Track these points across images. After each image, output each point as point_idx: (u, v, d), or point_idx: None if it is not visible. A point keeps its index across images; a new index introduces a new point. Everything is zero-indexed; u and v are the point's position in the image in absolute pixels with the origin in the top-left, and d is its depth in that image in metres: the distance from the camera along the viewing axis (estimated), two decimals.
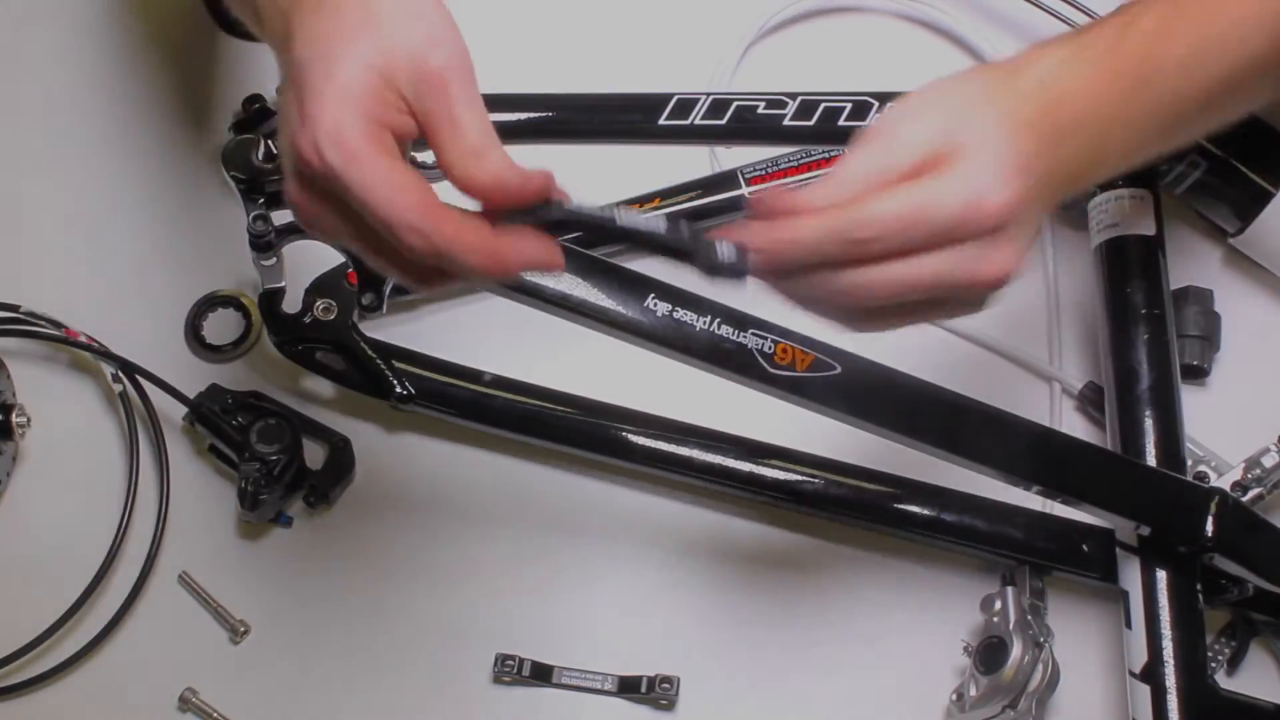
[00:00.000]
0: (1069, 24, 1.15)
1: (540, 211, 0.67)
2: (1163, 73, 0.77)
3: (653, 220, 0.68)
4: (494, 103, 0.94)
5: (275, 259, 0.97)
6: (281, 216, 0.95)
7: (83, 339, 1.03)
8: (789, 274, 0.69)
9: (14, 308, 1.05)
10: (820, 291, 0.70)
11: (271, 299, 1.01)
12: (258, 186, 0.95)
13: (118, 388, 1.03)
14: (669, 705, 0.98)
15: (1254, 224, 1.07)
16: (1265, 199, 1.05)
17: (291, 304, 1.01)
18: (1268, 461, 0.96)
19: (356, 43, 0.67)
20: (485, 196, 0.67)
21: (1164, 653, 0.92)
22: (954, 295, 0.70)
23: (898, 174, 0.68)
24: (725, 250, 0.67)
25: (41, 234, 1.12)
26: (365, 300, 1.00)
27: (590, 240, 0.71)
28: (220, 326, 1.08)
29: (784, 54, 1.21)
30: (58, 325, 1.04)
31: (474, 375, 1.02)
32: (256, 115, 0.95)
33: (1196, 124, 0.84)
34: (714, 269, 0.67)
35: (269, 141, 0.95)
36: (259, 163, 0.95)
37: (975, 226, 0.67)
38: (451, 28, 0.69)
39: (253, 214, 0.94)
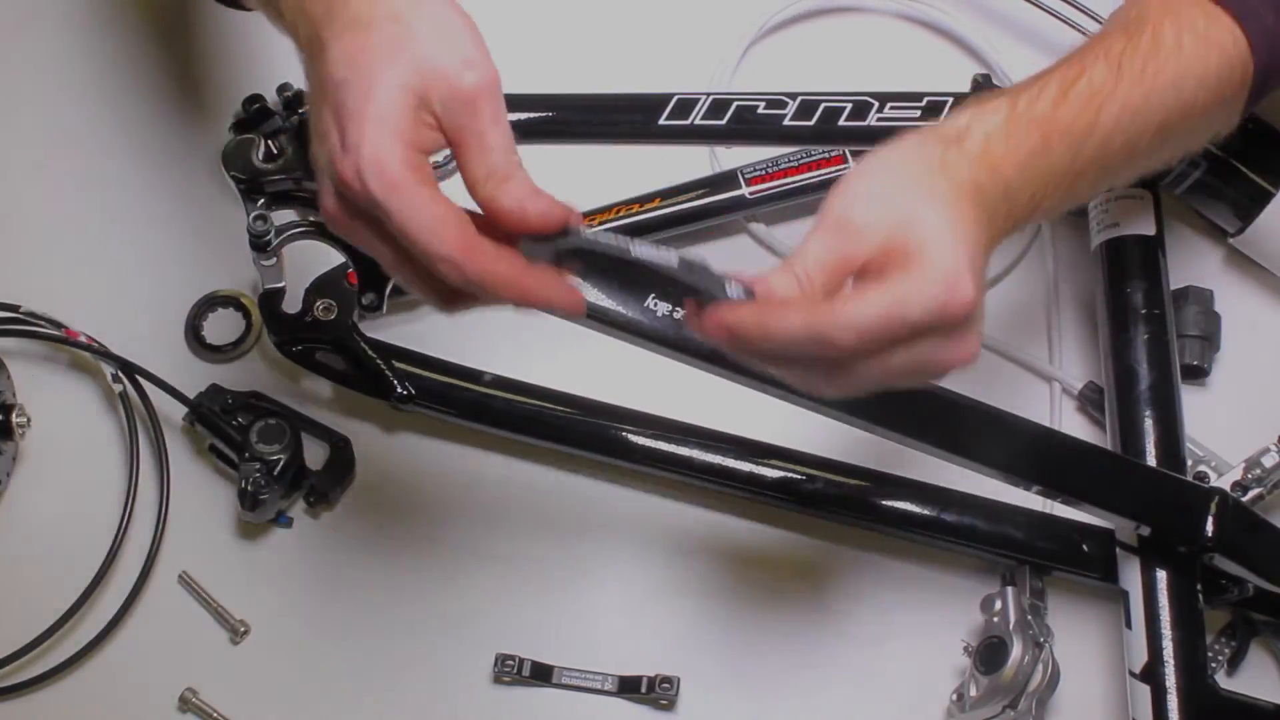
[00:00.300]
0: (1068, 23, 1.15)
1: (558, 239, 0.70)
2: (1104, 128, 0.79)
3: (665, 255, 0.70)
4: None
5: (275, 259, 0.97)
6: (281, 217, 0.96)
7: (83, 339, 1.03)
8: (768, 359, 0.72)
9: (14, 308, 1.05)
10: (796, 375, 0.73)
11: (271, 299, 1.01)
12: (258, 187, 0.95)
13: (118, 388, 1.03)
14: (669, 705, 0.98)
15: (1254, 224, 1.07)
16: (1265, 199, 1.05)
17: (291, 304, 1.01)
18: (1268, 461, 0.96)
19: (394, 63, 0.68)
20: (506, 221, 0.69)
21: (1164, 653, 0.92)
22: (922, 375, 0.72)
23: (857, 263, 0.70)
24: (733, 290, 0.69)
25: (41, 234, 1.12)
26: (365, 300, 1.00)
27: (604, 267, 0.73)
28: (220, 326, 1.08)
29: (784, 54, 1.21)
30: (58, 325, 1.04)
31: (474, 375, 1.02)
32: (256, 115, 0.95)
33: (1137, 168, 0.86)
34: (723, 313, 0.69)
35: (269, 141, 0.95)
36: (259, 163, 0.95)
37: (947, 322, 0.69)
38: (483, 50, 0.70)
39: (253, 214, 0.94)
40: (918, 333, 0.69)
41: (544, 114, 0.98)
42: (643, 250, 0.70)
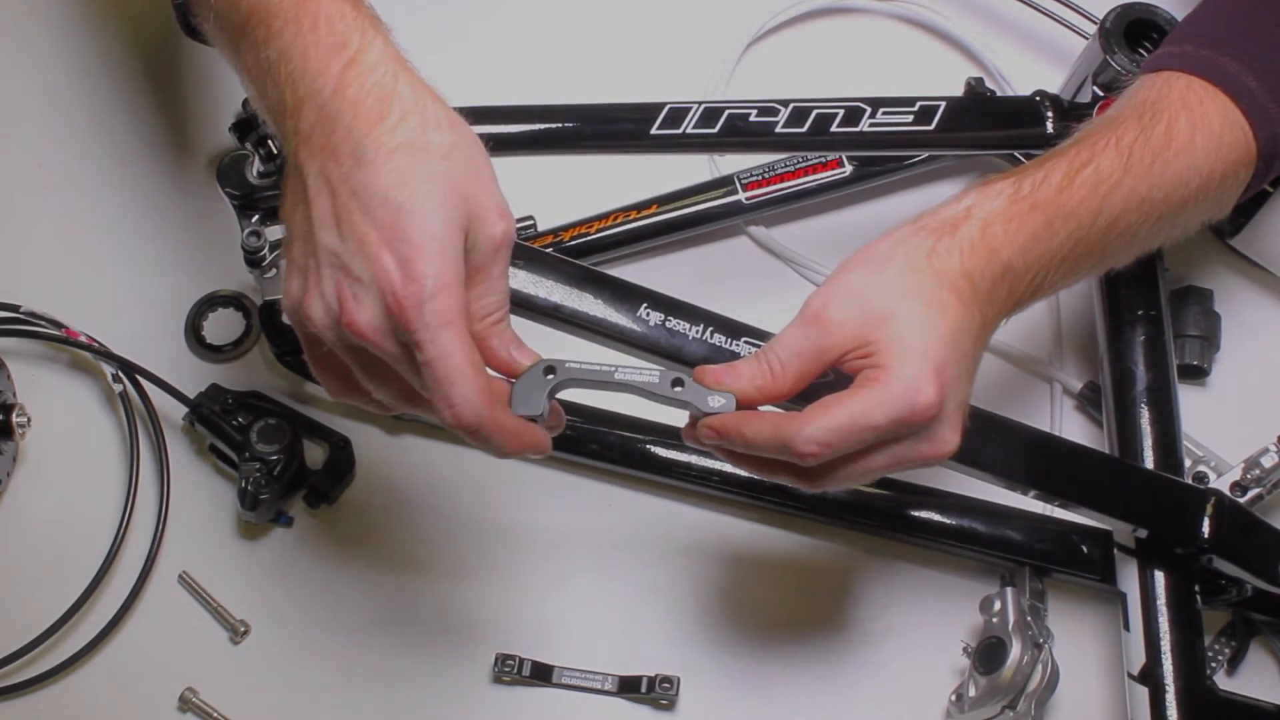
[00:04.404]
0: (1063, 23, 1.16)
1: (548, 380, 0.76)
2: (1108, 215, 0.81)
3: (647, 376, 0.77)
4: (489, 115, 0.94)
5: (274, 271, 0.97)
6: (275, 232, 0.95)
7: (83, 339, 1.03)
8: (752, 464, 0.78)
9: (14, 308, 1.05)
10: (786, 478, 0.78)
11: (272, 311, 1.01)
12: (252, 203, 0.94)
13: (118, 388, 1.03)
14: (669, 705, 0.98)
15: (1251, 223, 1.07)
16: (1262, 199, 1.05)
17: None
18: (1267, 462, 0.96)
19: (450, 201, 0.71)
20: (489, 357, 0.75)
21: (1162, 654, 0.92)
22: (903, 469, 0.77)
23: (832, 356, 0.75)
24: (714, 402, 0.76)
25: (41, 234, 1.12)
26: None
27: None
28: (220, 326, 1.08)
29: (780, 58, 1.21)
30: (58, 325, 1.04)
31: None
32: (256, 116, 0.95)
33: (1135, 252, 0.88)
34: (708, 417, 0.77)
35: (269, 143, 0.94)
36: (254, 179, 0.94)
37: (909, 428, 0.74)
38: (506, 203, 0.74)
39: (247, 230, 0.93)
40: (885, 437, 0.74)
41: (534, 125, 0.97)
42: (625, 374, 0.77)
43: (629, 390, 0.78)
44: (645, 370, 0.77)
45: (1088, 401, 1.07)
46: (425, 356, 0.70)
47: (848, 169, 1.11)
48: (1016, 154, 1.09)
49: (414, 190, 0.70)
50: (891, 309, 0.74)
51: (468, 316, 0.73)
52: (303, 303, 0.73)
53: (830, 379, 0.76)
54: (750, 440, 0.75)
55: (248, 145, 0.94)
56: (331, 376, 0.78)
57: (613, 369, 0.77)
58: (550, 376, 0.77)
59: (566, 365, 0.77)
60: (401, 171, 0.71)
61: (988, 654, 0.93)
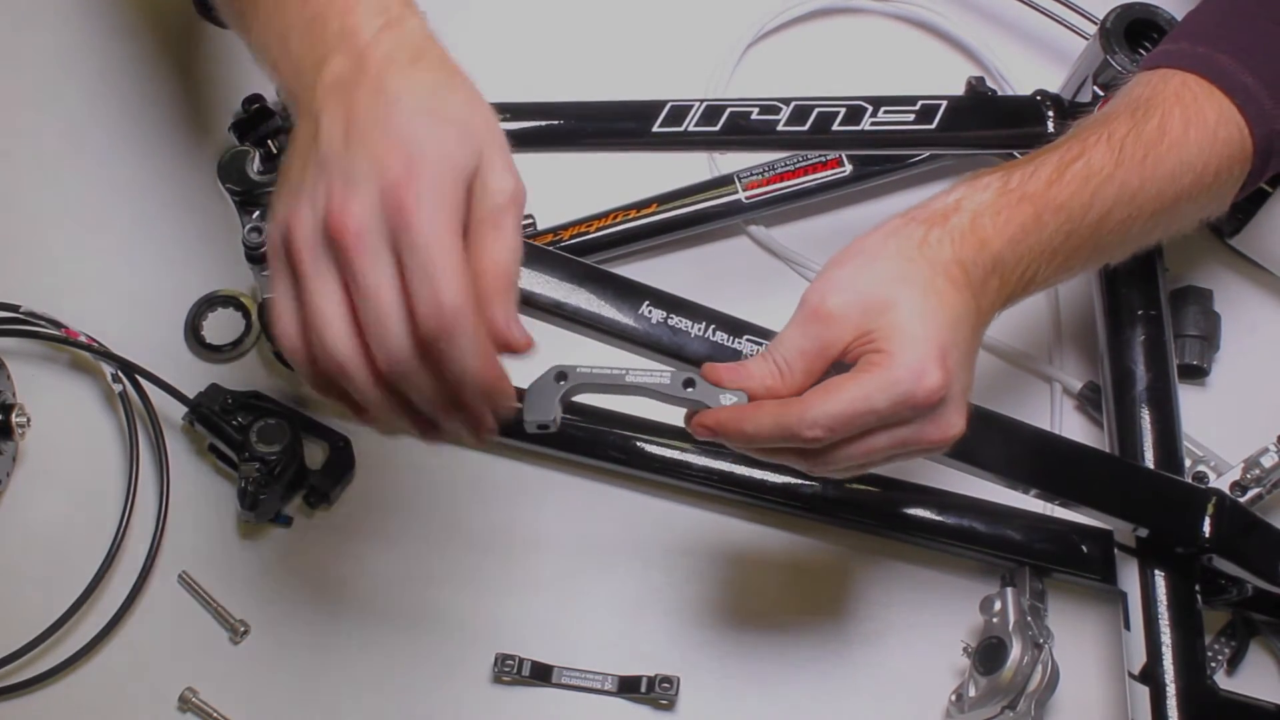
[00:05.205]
0: (1062, 23, 1.16)
1: (560, 383, 0.77)
2: (1099, 208, 0.81)
3: (659, 377, 0.77)
4: None
5: None
6: None
7: (83, 339, 1.03)
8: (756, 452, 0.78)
9: (14, 308, 1.05)
10: (790, 461, 0.78)
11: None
12: (253, 199, 0.94)
13: (118, 388, 1.03)
14: (669, 705, 0.98)
15: (1251, 223, 1.07)
16: (1262, 198, 1.05)
17: None
18: (1267, 461, 0.96)
19: (465, 140, 0.69)
20: (493, 331, 0.69)
21: (1163, 654, 0.92)
22: (908, 454, 0.77)
23: (835, 350, 0.75)
24: (726, 399, 0.76)
25: (41, 234, 1.11)
26: None
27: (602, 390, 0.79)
28: (220, 326, 1.08)
29: (781, 57, 1.21)
30: (58, 325, 1.04)
31: None
32: (256, 115, 0.94)
33: (1130, 248, 0.88)
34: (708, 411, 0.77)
35: (270, 141, 0.94)
36: (255, 175, 0.94)
37: (914, 411, 0.73)
38: (517, 169, 0.72)
39: (248, 226, 0.93)
40: (889, 420, 0.74)
41: (537, 122, 0.97)
42: (637, 377, 0.77)
43: (641, 393, 0.77)
44: (656, 372, 0.77)
45: (1088, 401, 1.07)
46: (414, 239, 0.65)
47: (848, 168, 1.11)
48: (1016, 154, 1.09)
49: (433, 119, 0.68)
50: (890, 297, 0.74)
51: (474, 274, 0.68)
52: (289, 218, 0.68)
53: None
54: (752, 434, 0.75)
55: (248, 144, 0.94)
56: (289, 321, 0.70)
57: (624, 372, 0.77)
58: (562, 383, 0.76)
59: (578, 370, 0.77)
60: (424, 105, 0.69)
61: (988, 654, 0.93)
